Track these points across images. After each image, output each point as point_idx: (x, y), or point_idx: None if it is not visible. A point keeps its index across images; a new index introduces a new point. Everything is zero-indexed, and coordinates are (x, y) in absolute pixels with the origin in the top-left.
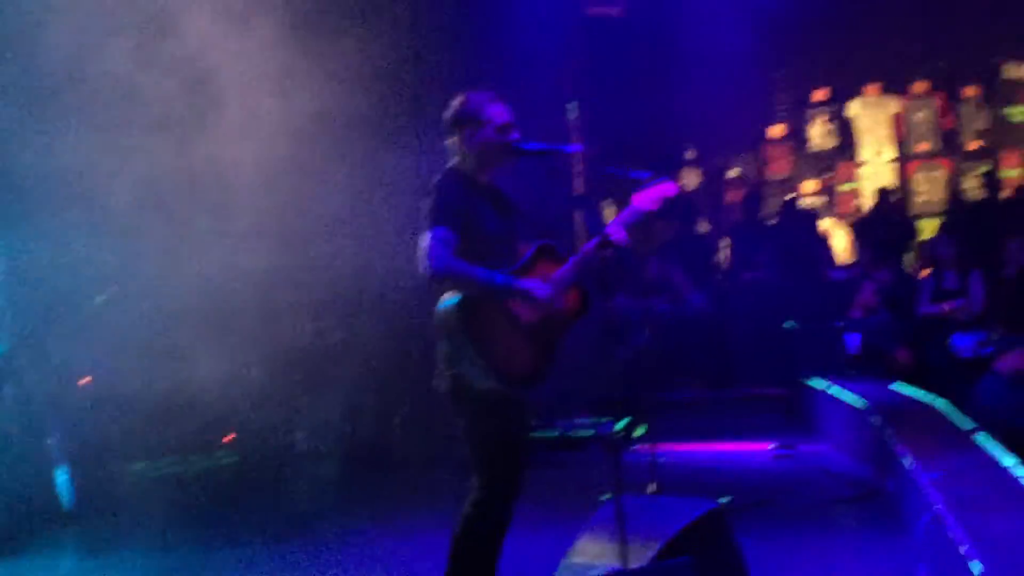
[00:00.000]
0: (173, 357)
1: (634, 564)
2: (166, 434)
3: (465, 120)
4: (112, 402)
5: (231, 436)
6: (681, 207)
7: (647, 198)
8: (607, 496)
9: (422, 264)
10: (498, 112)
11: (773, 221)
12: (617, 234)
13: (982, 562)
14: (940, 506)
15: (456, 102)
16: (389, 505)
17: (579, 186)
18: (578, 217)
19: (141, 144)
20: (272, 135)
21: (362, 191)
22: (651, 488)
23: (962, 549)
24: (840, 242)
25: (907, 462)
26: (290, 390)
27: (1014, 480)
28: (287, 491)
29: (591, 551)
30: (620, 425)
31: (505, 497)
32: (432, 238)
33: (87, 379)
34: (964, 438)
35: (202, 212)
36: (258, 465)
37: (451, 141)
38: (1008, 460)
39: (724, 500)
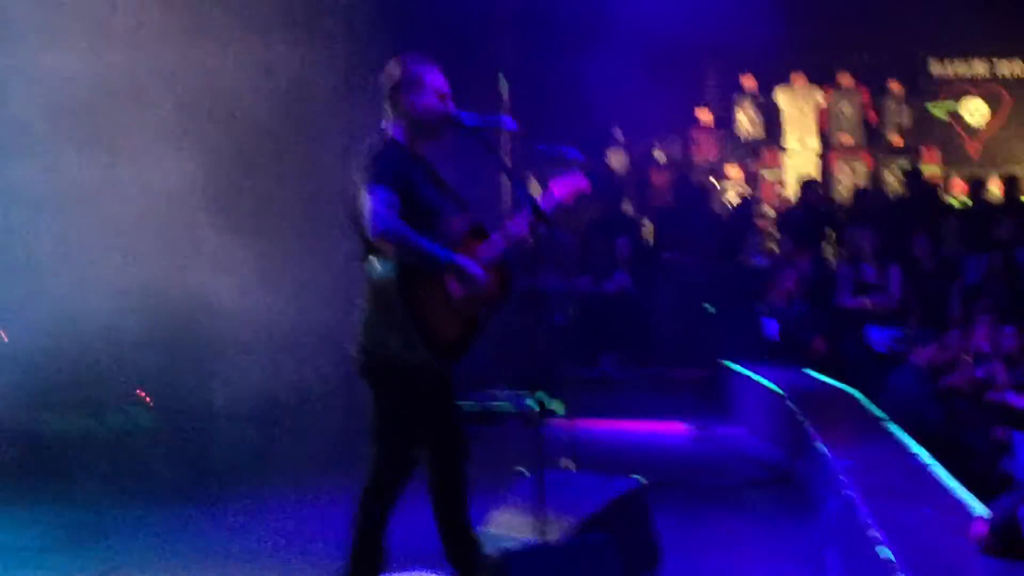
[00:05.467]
0: (90, 314)
1: (551, 538)
2: (81, 390)
3: (406, 83)
4: (24, 356)
5: (146, 395)
6: (606, 187)
7: (562, 190)
8: (525, 470)
9: (367, 224)
10: (437, 79)
11: (698, 205)
12: (548, 208)
13: (891, 548)
14: (851, 492)
15: (394, 66)
16: (306, 472)
17: (508, 161)
18: (505, 191)
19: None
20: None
21: (290, 159)
22: (566, 464)
23: (872, 535)
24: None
25: (820, 448)
26: (209, 350)
27: (923, 469)
28: (203, 453)
29: (508, 523)
30: (538, 400)
31: (399, 469)
32: (375, 198)
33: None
34: (876, 427)
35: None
36: (174, 425)
37: (387, 106)
38: (917, 449)
39: (638, 479)
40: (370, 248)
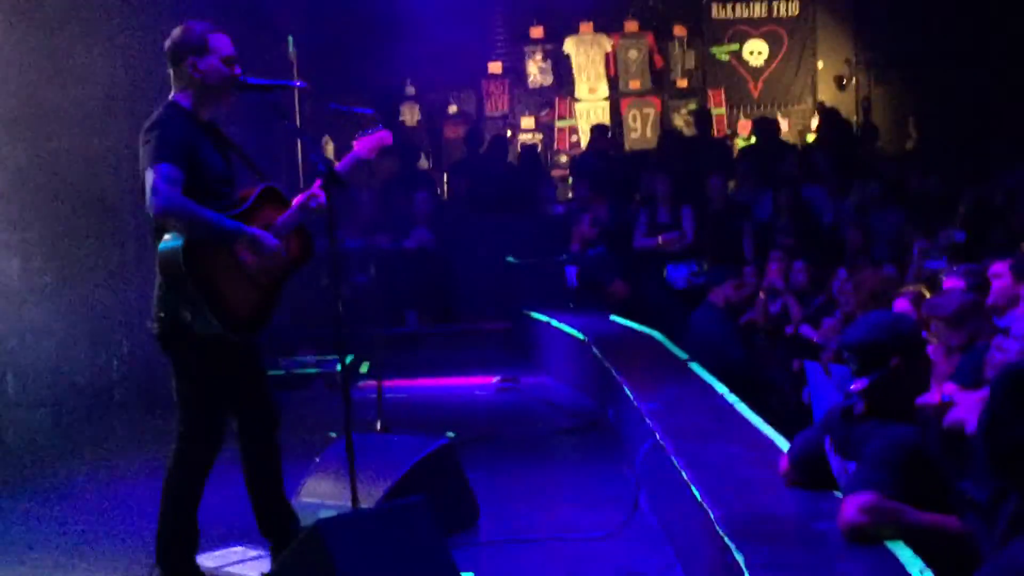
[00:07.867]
0: None
1: (365, 503)
2: None
3: (189, 48)
4: None
5: None
6: (401, 143)
7: (366, 146)
8: (335, 434)
9: (148, 201)
10: (223, 43)
11: (493, 157)
12: (343, 171)
13: (699, 488)
14: (659, 434)
15: (177, 31)
16: (110, 451)
17: (299, 121)
18: (299, 153)
19: None
20: None
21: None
22: (378, 426)
23: (682, 476)
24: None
25: (627, 392)
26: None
27: (727, 407)
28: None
29: (321, 490)
30: (344, 362)
31: (206, 442)
32: (158, 175)
33: None
34: (680, 368)
35: None
36: None
37: (172, 72)
38: (720, 388)
39: (450, 435)
40: (160, 224)
